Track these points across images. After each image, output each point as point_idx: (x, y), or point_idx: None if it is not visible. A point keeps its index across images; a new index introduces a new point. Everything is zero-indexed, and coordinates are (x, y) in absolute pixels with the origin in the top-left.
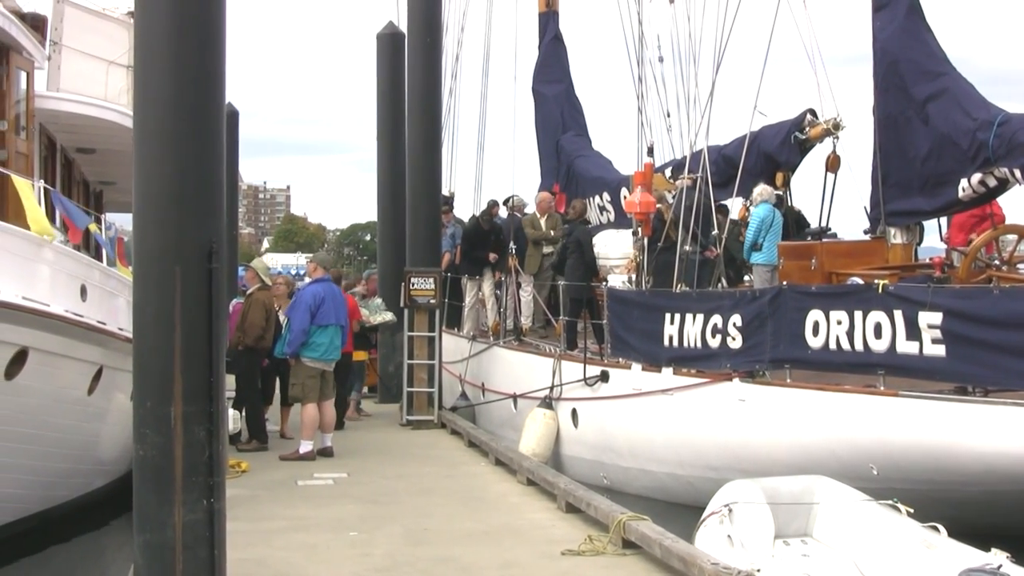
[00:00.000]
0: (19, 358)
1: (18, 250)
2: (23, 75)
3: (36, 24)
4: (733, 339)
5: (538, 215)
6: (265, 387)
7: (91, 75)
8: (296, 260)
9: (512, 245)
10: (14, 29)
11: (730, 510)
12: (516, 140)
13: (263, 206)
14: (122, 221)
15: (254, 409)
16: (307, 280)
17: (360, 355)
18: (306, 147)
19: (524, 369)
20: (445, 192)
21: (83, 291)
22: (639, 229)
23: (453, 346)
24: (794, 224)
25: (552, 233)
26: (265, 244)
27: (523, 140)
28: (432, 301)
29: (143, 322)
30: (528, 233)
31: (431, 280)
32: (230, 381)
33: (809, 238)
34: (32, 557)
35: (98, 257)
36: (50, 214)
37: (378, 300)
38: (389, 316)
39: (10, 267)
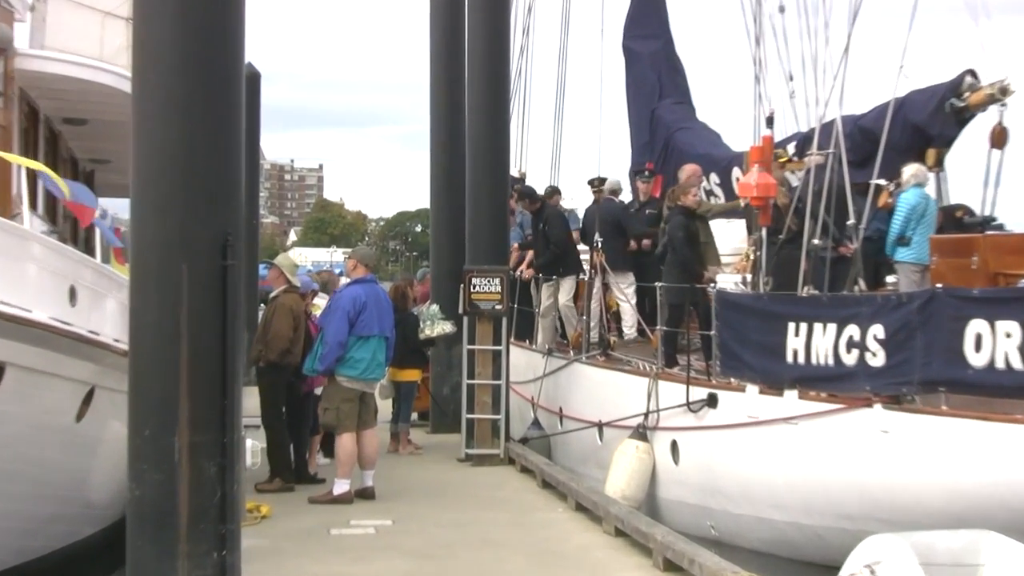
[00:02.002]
0: None
1: None
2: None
3: None
4: (874, 355)
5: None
6: (310, 413)
7: (83, 30)
8: (330, 256)
9: (598, 238)
10: None
11: (872, 571)
12: (602, 109)
13: (290, 190)
14: (117, 208)
15: (278, 439)
16: (343, 280)
17: (410, 374)
18: (343, 118)
19: (612, 391)
20: (514, 172)
21: (72, 294)
22: (756, 218)
23: (524, 362)
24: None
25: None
26: (292, 236)
27: (610, 109)
28: (498, 307)
29: (142, 332)
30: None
31: (497, 281)
32: (251, 405)
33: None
34: None
35: (90, 251)
36: (31, 196)
37: (434, 307)
38: (448, 327)
39: None
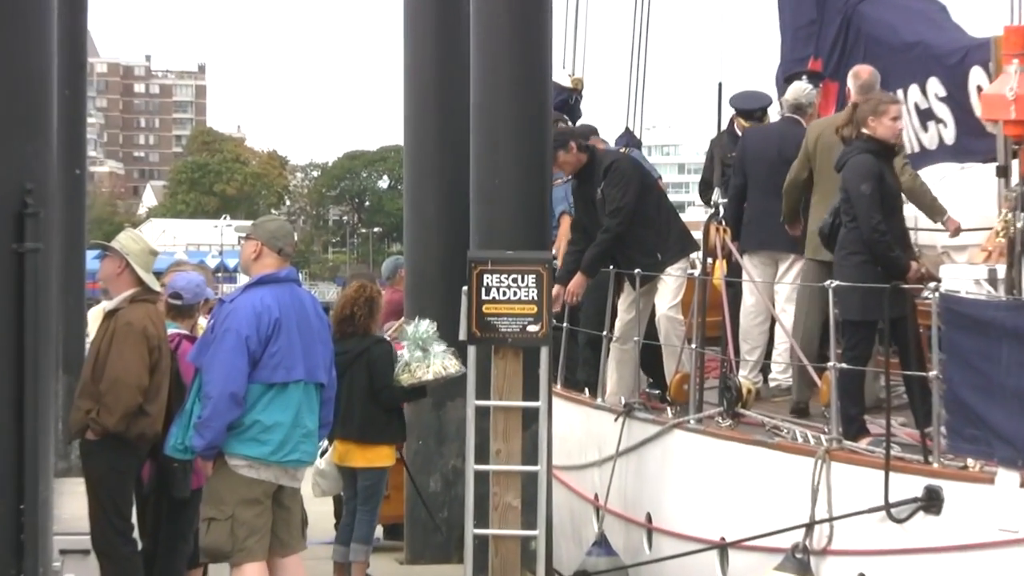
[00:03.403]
0: None
1: None
2: None
3: None
4: None
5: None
6: (188, 526)
7: None
8: (219, 234)
9: (718, 198)
10: None
11: None
12: None
13: (146, 112)
14: None
15: (123, 573)
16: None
17: (376, 455)
18: None
19: (746, 483)
20: (562, 79)
21: None
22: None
23: (580, 430)
24: None
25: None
26: (150, 197)
27: None
28: (532, 327)
29: None
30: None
31: (531, 280)
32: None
33: None
34: None
35: None
36: None
37: (425, 324)
38: (452, 364)
39: None
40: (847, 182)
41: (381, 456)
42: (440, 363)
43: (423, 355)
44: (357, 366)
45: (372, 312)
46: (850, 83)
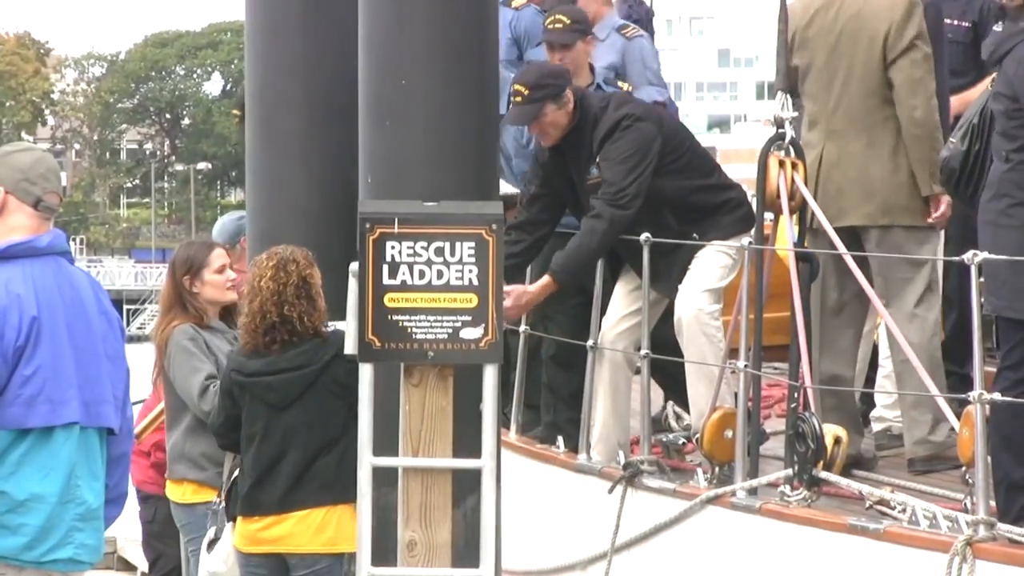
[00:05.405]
0: None
1: None
2: None
3: None
4: None
5: None
6: None
7: None
8: None
9: (783, 106)
10: None
11: None
12: None
13: None
14: None
15: None
16: None
17: (340, 528)
18: None
19: None
20: None
21: None
22: None
23: (552, 507)
24: None
25: None
26: None
27: None
28: (470, 334)
29: None
30: None
31: (466, 252)
32: None
33: None
34: None
35: None
36: None
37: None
38: None
39: None
40: (1014, 82)
41: (343, 532)
42: None
43: None
44: (317, 390)
45: (313, 300)
46: None
